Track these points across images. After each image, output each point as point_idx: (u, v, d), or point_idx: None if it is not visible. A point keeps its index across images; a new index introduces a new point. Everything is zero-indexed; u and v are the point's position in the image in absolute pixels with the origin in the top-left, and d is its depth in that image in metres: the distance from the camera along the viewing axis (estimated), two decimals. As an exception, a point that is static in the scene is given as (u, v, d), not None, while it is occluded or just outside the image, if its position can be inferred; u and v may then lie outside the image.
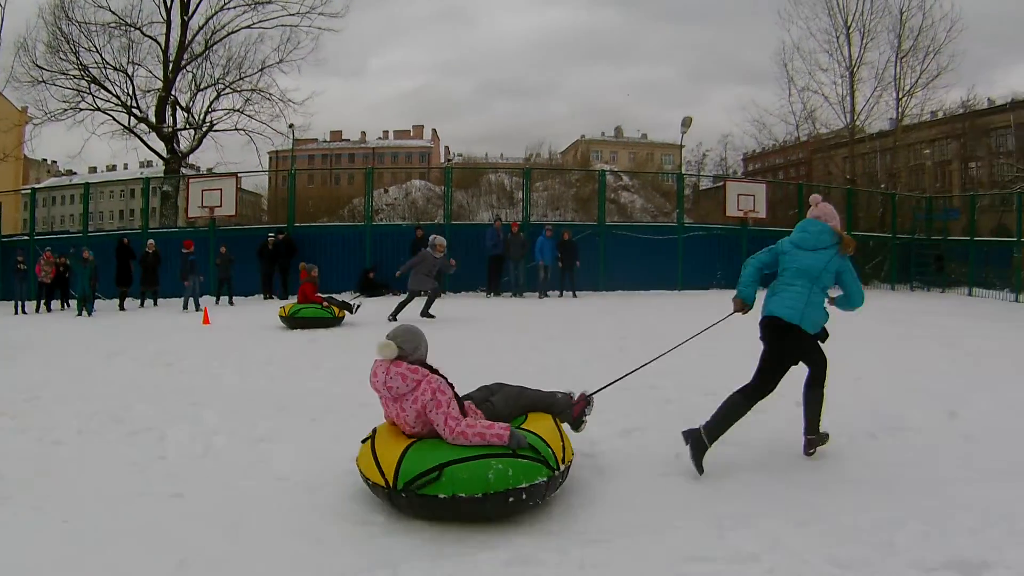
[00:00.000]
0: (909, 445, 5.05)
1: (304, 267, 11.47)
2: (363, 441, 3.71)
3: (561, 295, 15.37)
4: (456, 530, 3.41)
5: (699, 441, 4.08)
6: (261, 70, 23.42)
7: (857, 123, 25.39)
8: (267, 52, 24.27)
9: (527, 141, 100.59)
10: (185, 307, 13.56)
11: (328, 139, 57.04)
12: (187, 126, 23.21)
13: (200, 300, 13.66)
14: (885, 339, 9.63)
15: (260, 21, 23.13)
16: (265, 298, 15.41)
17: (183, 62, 22.98)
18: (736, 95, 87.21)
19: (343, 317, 10.80)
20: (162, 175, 23.25)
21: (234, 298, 14.94)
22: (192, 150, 23.57)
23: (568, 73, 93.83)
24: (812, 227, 4.19)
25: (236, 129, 23.48)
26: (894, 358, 8.45)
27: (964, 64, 40.91)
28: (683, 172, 25.96)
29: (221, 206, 16.68)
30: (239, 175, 18.47)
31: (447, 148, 58.65)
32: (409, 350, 3.65)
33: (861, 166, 28.54)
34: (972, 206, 19.89)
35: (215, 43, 23.21)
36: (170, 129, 22.74)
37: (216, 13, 22.87)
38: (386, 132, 62.43)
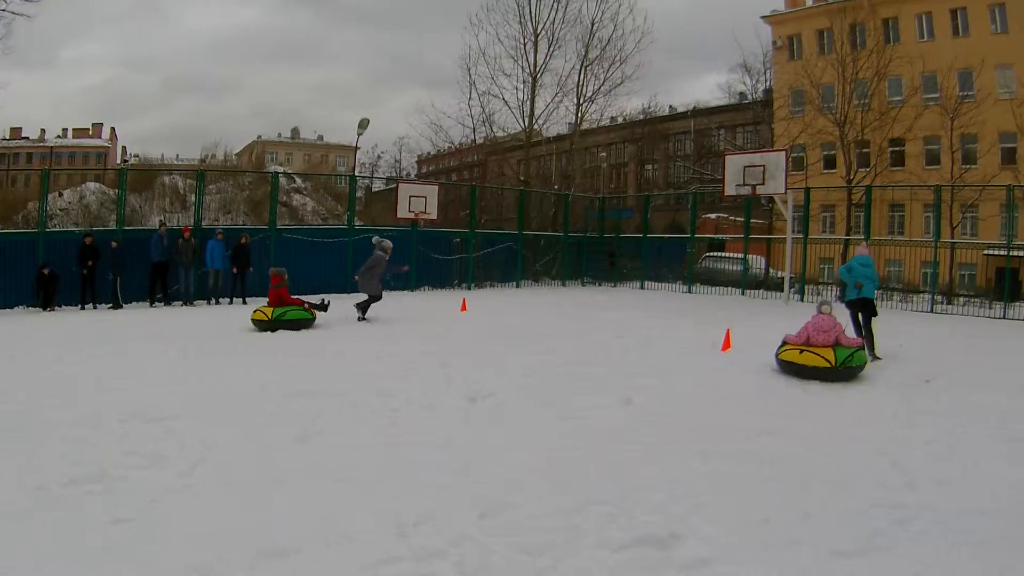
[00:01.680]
0: (587, 433, 5.37)
1: (276, 272, 11.85)
2: (800, 352, 7.67)
3: (231, 302, 15.49)
4: (126, 553, 3.35)
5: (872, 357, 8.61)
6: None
7: (535, 127, 27.11)
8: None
9: (206, 141, 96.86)
10: None
11: (7, 137, 50.59)
12: None
13: None
14: (561, 335, 10.53)
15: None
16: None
17: None
18: (415, 98, 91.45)
19: (315, 317, 11.65)
20: None
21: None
22: None
23: (251, 72, 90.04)
24: (863, 257, 9.16)
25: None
26: (565, 351, 9.20)
27: (649, 74, 47.15)
28: (355, 174, 26.86)
29: None
30: None
31: (124, 148, 55.32)
32: (832, 310, 8.03)
33: (536, 168, 31.09)
34: (646, 205, 22.31)
35: None
36: None
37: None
38: (65, 130, 56.35)
